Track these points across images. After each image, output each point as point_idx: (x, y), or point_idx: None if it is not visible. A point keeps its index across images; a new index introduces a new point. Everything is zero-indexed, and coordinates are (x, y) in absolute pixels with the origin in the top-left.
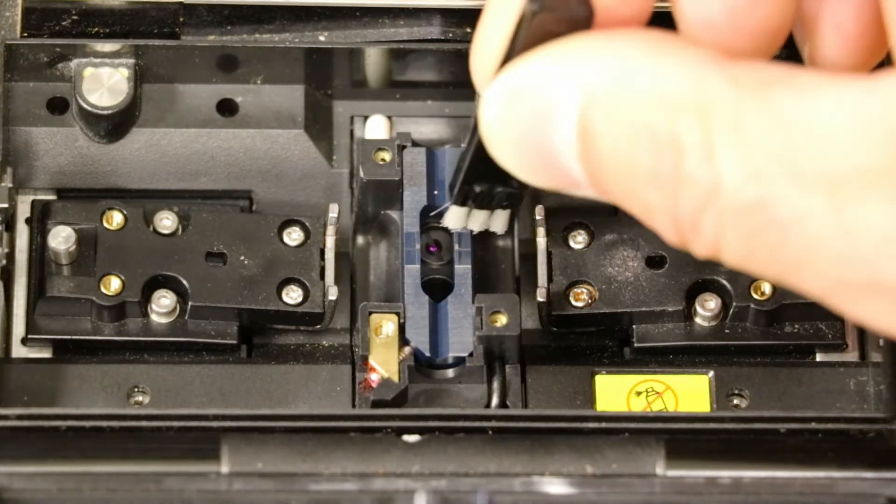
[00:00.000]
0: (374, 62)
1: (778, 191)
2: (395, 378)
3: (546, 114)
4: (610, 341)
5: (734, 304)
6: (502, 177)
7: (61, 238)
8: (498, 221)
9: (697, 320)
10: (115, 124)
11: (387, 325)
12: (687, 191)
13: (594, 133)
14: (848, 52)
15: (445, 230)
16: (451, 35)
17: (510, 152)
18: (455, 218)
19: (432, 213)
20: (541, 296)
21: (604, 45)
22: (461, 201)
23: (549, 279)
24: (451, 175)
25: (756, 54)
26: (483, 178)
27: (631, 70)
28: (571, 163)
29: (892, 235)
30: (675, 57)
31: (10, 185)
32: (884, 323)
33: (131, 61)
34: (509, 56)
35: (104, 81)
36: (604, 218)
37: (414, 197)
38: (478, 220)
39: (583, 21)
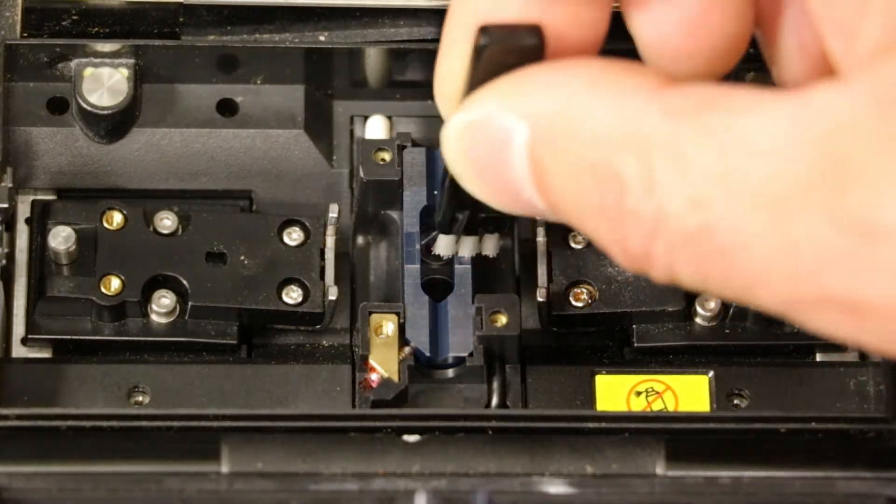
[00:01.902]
0: (373, 62)
1: (720, 215)
2: (395, 378)
3: (500, 147)
4: (610, 341)
5: (734, 304)
6: (481, 204)
7: (61, 238)
8: (488, 245)
9: (697, 320)
10: (115, 124)
11: (387, 325)
12: (633, 224)
13: (542, 167)
14: (813, 71)
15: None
16: None
17: (475, 183)
18: (445, 246)
19: (421, 243)
20: (541, 296)
21: (547, 78)
22: (446, 230)
23: (549, 279)
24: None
25: (713, 72)
26: (463, 206)
27: (570, 105)
28: (531, 193)
29: (833, 248)
30: (610, 89)
31: (10, 185)
32: (841, 334)
33: (131, 61)
34: (469, 88)
35: (104, 81)
36: None
37: (414, 197)
38: (467, 246)
39: (535, 50)
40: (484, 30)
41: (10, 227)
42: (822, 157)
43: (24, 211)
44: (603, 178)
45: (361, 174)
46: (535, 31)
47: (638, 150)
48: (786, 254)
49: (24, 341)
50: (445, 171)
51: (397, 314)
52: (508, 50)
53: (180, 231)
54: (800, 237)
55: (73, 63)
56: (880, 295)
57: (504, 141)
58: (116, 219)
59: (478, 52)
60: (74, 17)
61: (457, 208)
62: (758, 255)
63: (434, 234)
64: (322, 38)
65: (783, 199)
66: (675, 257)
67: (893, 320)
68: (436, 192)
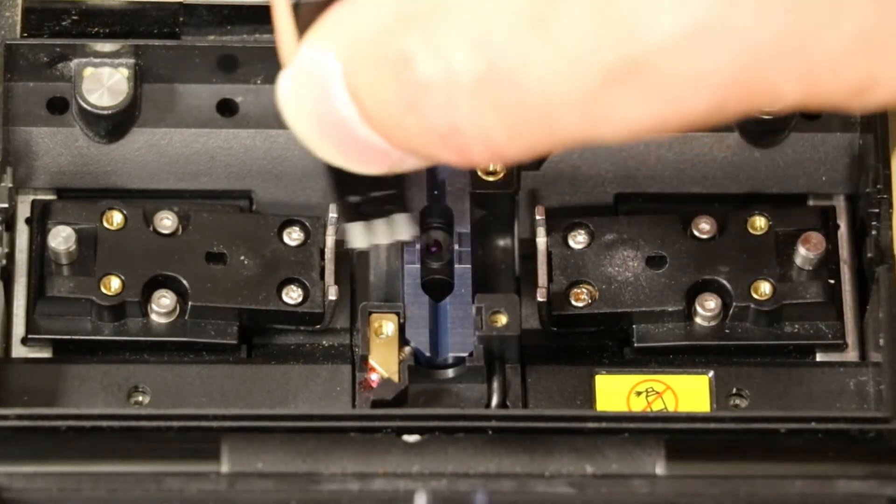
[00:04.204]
0: None
1: (499, 45)
2: (395, 378)
3: (323, 89)
4: (610, 341)
5: (734, 304)
6: (364, 181)
7: (61, 238)
8: (401, 228)
9: (697, 320)
10: (115, 124)
11: (387, 325)
12: (432, 96)
13: (356, 89)
14: None
15: (446, 230)
16: None
17: (321, 144)
18: (356, 236)
19: (338, 240)
20: (541, 296)
21: (346, 4)
22: (348, 218)
23: (549, 279)
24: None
25: None
26: (349, 188)
27: (361, 15)
28: (364, 130)
29: (593, 16)
30: None
31: (10, 185)
32: (641, 114)
33: (131, 61)
34: None
35: (104, 81)
36: (604, 218)
37: (414, 197)
38: (380, 232)
39: None
40: None
41: (10, 227)
42: None
43: (24, 211)
44: (396, 65)
45: None
46: None
47: (420, 23)
48: (560, 53)
49: (24, 341)
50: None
51: (397, 314)
52: (322, 4)
53: (180, 231)
54: (563, 29)
55: (73, 63)
56: (647, 44)
57: (324, 80)
58: (116, 219)
59: (294, 11)
60: (74, 17)
61: (346, 190)
62: (539, 68)
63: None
64: None
65: (546, 9)
66: (478, 114)
67: (673, 63)
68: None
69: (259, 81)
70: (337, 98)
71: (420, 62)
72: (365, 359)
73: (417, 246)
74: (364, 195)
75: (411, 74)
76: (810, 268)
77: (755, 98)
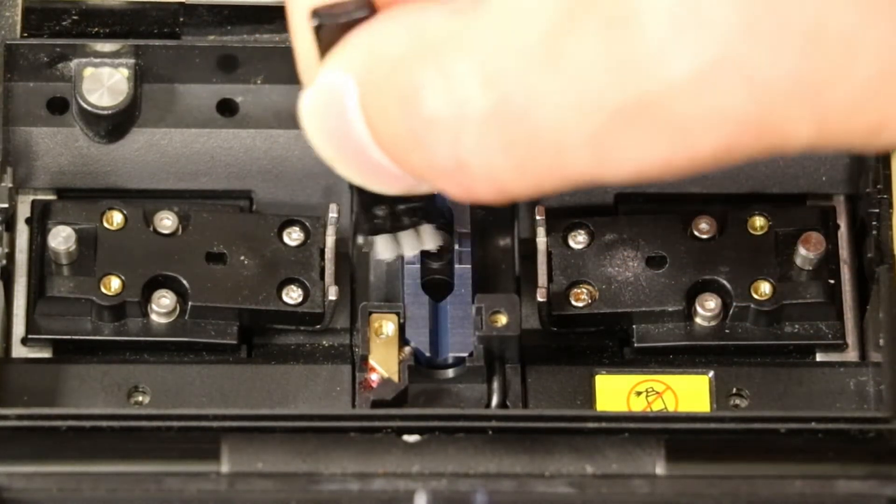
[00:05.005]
0: None
1: (510, 81)
2: (395, 378)
3: (341, 110)
4: (610, 341)
5: (734, 304)
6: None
7: (61, 238)
8: (427, 238)
9: (697, 320)
10: (115, 124)
11: (387, 325)
12: (438, 132)
13: (369, 115)
14: None
15: (446, 230)
16: None
17: (339, 162)
18: (384, 248)
19: (361, 244)
20: (541, 296)
21: (365, 30)
22: (374, 230)
23: (549, 279)
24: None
25: None
26: (376, 200)
27: (378, 42)
28: (379, 154)
29: (606, 54)
30: (408, 15)
31: (10, 185)
32: (649, 155)
33: (131, 61)
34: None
35: (104, 81)
36: (604, 218)
37: None
38: (407, 243)
39: (369, 19)
40: (314, 13)
41: (10, 227)
42: None
43: (24, 211)
44: (406, 97)
45: None
46: (364, 2)
47: (432, 56)
48: (567, 83)
49: (24, 341)
50: None
51: (397, 314)
52: (343, 25)
53: (180, 231)
54: (572, 56)
55: (73, 63)
56: (659, 84)
57: (342, 103)
58: (116, 219)
59: (315, 33)
60: (74, 17)
61: (373, 202)
62: (550, 104)
63: (361, 240)
64: None
65: (554, 32)
66: (488, 150)
67: (683, 104)
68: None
69: (259, 81)
70: (353, 121)
71: (430, 95)
72: (365, 359)
73: None
74: (391, 207)
75: (419, 107)
76: (810, 268)
77: (766, 140)
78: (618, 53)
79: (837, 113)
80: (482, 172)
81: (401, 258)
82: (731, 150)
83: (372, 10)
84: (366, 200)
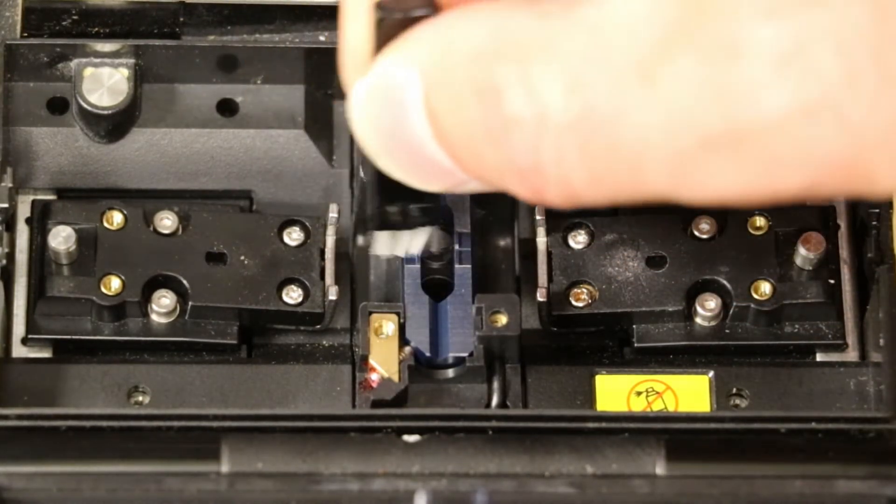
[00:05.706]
0: None
1: (596, 91)
2: (395, 378)
3: (399, 105)
4: (610, 341)
5: (734, 304)
6: (410, 193)
7: (61, 238)
8: (432, 239)
9: (697, 320)
10: (115, 124)
11: (387, 325)
12: (518, 132)
13: (436, 110)
14: None
15: (446, 230)
16: None
17: (384, 157)
18: (383, 244)
19: (361, 244)
20: (541, 296)
21: (433, 26)
22: (379, 226)
23: (549, 279)
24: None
25: None
26: (393, 197)
27: (451, 39)
28: (435, 150)
29: (704, 80)
30: (486, 11)
31: (10, 185)
32: (731, 183)
33: (131, 61)
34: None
35: (104, 81)
36: (604, 218)
37: None
38: (413, 242)
39: (430, 18)
40: (379, 5)
41: (10, 227)
42: (679, 6)
43: (24, 211)
44: (485, 93)
45: (361, 174)
46: (430, 1)
47: (516, 57)
48: (662, 108)
49: (24, 341)
50: (366, 161)
51: (397, 314)
52: (404, 21)
53: (180, 231)
54: (670, 86)
55: (73, 63)
56: (754, 117)
57: (401, 97)
58: (116, 219)
59: (377, 26)
60: (74, 17)
61: (388, 199)
62: (637, 120)
63: (364, 236)
64: (322, 38)
65: (651, 58)
66: (564, 157)
67: (775, 139)
68: (353, 187)
69: (259, 81)
70: (412, 116)
71: (511, 96)
72: (365, 359)
73: None
74: (404, 205)
75: (500, 107)
76: (810, 268)
77: (852, 183)
78: (716, 82)
79: None
80: (556, 177)
81: (401, 258)
82: (815, 188)
83: (435, 9)
84: (384, 197)
